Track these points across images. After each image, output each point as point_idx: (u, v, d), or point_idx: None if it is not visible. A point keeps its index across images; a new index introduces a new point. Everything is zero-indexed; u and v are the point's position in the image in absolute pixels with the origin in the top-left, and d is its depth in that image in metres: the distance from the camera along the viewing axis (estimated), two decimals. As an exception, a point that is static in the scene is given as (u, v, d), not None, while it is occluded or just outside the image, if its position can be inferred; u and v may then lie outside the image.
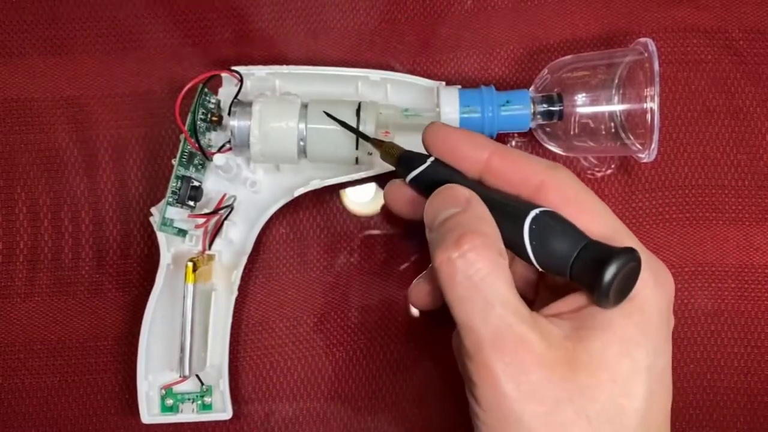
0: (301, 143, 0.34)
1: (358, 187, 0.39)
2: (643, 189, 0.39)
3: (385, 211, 0.39)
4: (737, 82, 0.39)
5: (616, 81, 0.35)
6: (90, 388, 0.38)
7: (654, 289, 0.26)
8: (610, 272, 0.24)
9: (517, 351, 0.24)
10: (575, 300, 0.26)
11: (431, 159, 0.29)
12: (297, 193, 0.36)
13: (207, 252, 0.36)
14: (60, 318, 0.39)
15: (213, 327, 0.36)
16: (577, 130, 0.35)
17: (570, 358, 0.24)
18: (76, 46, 0.40)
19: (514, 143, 0.39)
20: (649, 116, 0.33)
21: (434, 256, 0.25)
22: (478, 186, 0.28)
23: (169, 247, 0.36)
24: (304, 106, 0.34)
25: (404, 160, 0.30)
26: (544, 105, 0.35)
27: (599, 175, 0.39)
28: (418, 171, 0.29)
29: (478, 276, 0.24)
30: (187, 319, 0.34)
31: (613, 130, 0.35)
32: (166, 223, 0.35)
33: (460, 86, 0.36)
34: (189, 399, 0.36)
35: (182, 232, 0.36)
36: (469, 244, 0.24)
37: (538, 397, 0.24)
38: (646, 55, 0.34)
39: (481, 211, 0.26)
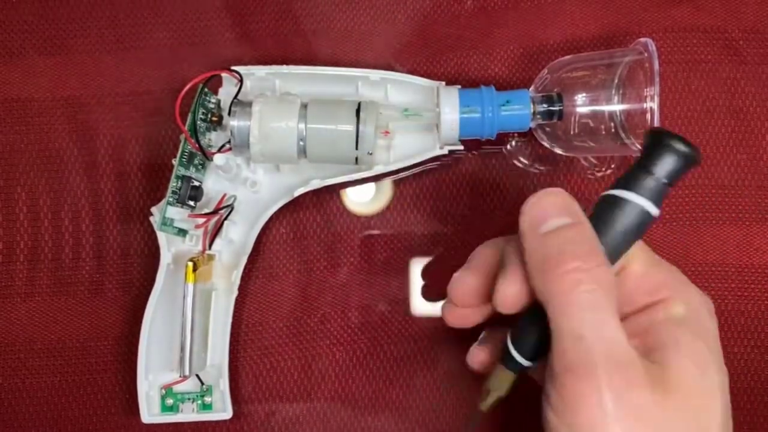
0: (301, 143, 0.34)
1: (358, 187, 0.39)
2: (643, 189, 0.39)
3: (387, 214, 0.39)
4: (737, 82, 0.39)
5: (616, 81, 0.34)
6: (90, 388, 0.38)
7: (708, 316, 0.28)
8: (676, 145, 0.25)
9: (627, 369, 0.24)
10: (638, 322, 0.28)
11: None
12: (297, 193, 0.36)
13: (207, 252, 0.36)
14: (60, 318, 0.39)
15: (213, 327, 0.36)
16: (577, 130, 0.35)
17: (658, 379, 0.25)
18: (75, 46, 0.40)
19: (514, 143, 0.39)
20: (649, 116, 0.33)
21: (551, 266, 0.25)
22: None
23: (169, 247, 0.36)
24: (304, 106, 0.34)
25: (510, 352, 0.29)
26: (544, 105, 0.35)
27: (599, 175, 0.39)
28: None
29: (601, 290, 0.25)
30: (187, 319, 0.34)
31: (613, 130, 0.35)
32: (166, 222, 0.35)
33: (459, 86, 0.36)
34: (189, 399, 0.36)
35: (182, 232, 0.36)
36: (594, 261, 0.25)
37: (638, 417, 0.24)
38: (646, 55, 0.34)
39: (591, 228, 0.26)
